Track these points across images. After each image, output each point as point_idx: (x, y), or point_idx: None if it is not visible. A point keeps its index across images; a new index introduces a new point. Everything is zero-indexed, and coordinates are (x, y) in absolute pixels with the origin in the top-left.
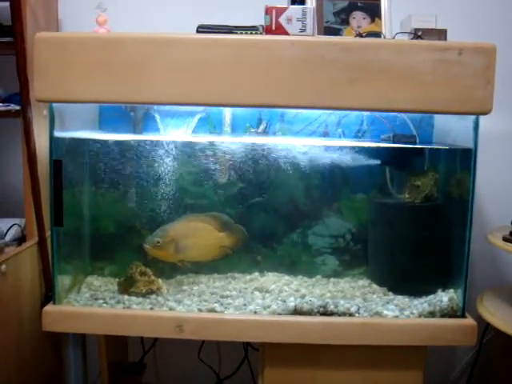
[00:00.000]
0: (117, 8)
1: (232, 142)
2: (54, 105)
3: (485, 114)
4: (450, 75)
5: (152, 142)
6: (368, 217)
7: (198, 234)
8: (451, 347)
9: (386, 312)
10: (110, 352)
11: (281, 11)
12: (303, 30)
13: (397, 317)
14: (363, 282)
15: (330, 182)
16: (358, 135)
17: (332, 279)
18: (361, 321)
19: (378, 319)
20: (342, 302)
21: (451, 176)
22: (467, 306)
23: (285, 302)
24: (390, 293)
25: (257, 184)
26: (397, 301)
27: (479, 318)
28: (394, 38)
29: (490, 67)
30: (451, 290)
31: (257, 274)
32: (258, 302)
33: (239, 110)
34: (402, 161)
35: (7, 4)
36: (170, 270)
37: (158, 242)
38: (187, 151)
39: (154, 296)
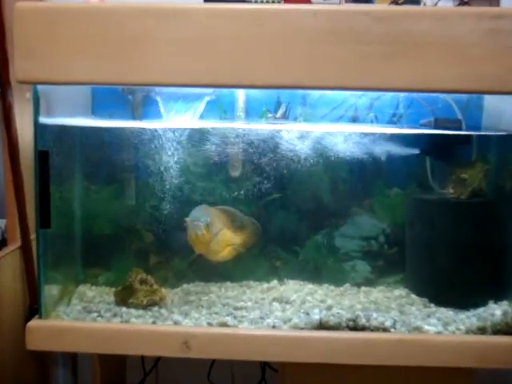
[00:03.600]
0: None
1: (246, 129)
2: (39, 87)
3: None
4: (502, 48)
5: (154, 129)
6: (405, 215)
7: (220, 225)
8: (505, 370)
9: (426, 327)
10: (105, 374)
11: None
12: None
13: (440, 333)
14: (400, 291)
15: (361, 174)
16: (393, 120)
17: (363, 288)
18: (397, 337)
19: (418, 335)
20: (374, 314)
21: (504, 167)
22: None
23: (308, 314)
24: (432, 304)
25: (275, 178)
26: (440, 314)
27: None
28: (435, 4)
29: None
30: (505, 302)
31: (275, 281)
32: (276, 314)
33: (254, 92)
34: (445, 150)
35: None
36: (175, 277)
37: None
38: (194, 140)
39: (156, 308)
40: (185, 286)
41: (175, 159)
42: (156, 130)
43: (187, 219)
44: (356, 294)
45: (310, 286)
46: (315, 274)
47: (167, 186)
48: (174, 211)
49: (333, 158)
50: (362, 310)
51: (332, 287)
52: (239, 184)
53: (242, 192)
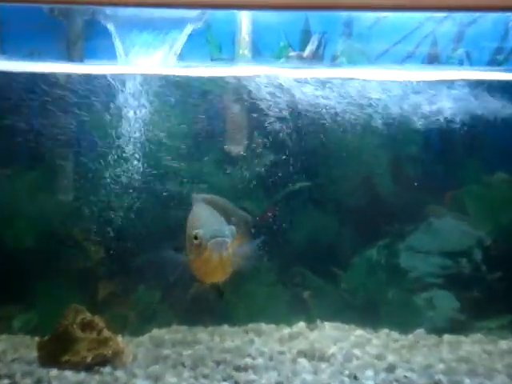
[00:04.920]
0: None
1: (254, 77)
2: None
3: None
4: None
5: (104, 76)
6: None
7: None
8: None
9: None
10: None
11: None
12: None
13: None
14: (510, 343)
15: (442, 150)
16: (496, 59)
17: (447, 336)
18: None
19: None
20: (467, 380)
21: None
22: None
23: (356, 379)
24: None
25: (301, 156)
26: None
27: None
28: None
29: None
30: None
31: (302, 324)
32: (305, 378)
33: (266, 17)
34: None
35: None
36: (139, 318)
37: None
38: (171, 95)
39: (108, 368)
40: (155, 331)
41: (139, 127)
42: (108, 78)
43: (200, 233)
44: (435, 345)
45: (358, 333)
46: (367, 312)
47: (127, 171)
48: (138, 209)
49: (394, 124)
50: (446, 372)
51: (395, 334)
52: (243, 166)
53: (248, 178)
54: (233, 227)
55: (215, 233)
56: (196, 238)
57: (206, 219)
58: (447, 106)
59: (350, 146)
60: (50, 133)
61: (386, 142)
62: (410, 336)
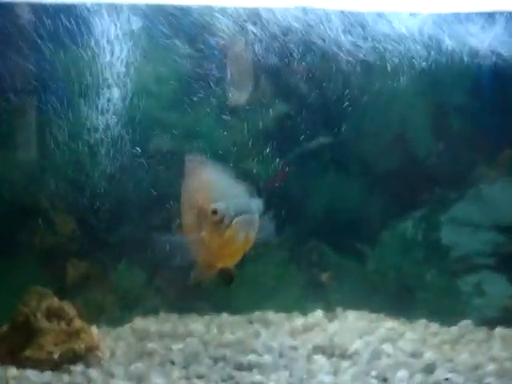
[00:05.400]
0: None
1: (266, 7)
2: None
3: None
4: None
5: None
6: None
7: None
8: None
9: None
10: None
11: None
12: None
13: None
14: None
15: (494, 98)
16: None
17: (499, 330)
18: None
19: None
20: None
21: None
22: None
23: (386, 381)
24: None
25: (321, 106)
26: None
27: None
28: None
29: None
30: None
31: (320, 312)
32: (322, 380)
33: None
34: None
35: None
36: (119, 304)
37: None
38: (157, 26)
39: (80, 367)
40: (138, 321)
41: (119, 70)
42: (80, 6)
43: (221, 207)
44: (485, 341)
45: (389, 324)
46: (400, 299)
47: (104, 123)
48: (118, 170)
49: (434, 65)
50: (499, 373)
51: (435, 326)
52: (247, 117)
53: (252, 134)
54: (259, 200)
55: (242, 207)
56: (215, 212)
57: (224, 189)
58: (501, 42)
59: (382, 93)
60: (6, 75)
61: (425, 88)
62: (454, 329)
